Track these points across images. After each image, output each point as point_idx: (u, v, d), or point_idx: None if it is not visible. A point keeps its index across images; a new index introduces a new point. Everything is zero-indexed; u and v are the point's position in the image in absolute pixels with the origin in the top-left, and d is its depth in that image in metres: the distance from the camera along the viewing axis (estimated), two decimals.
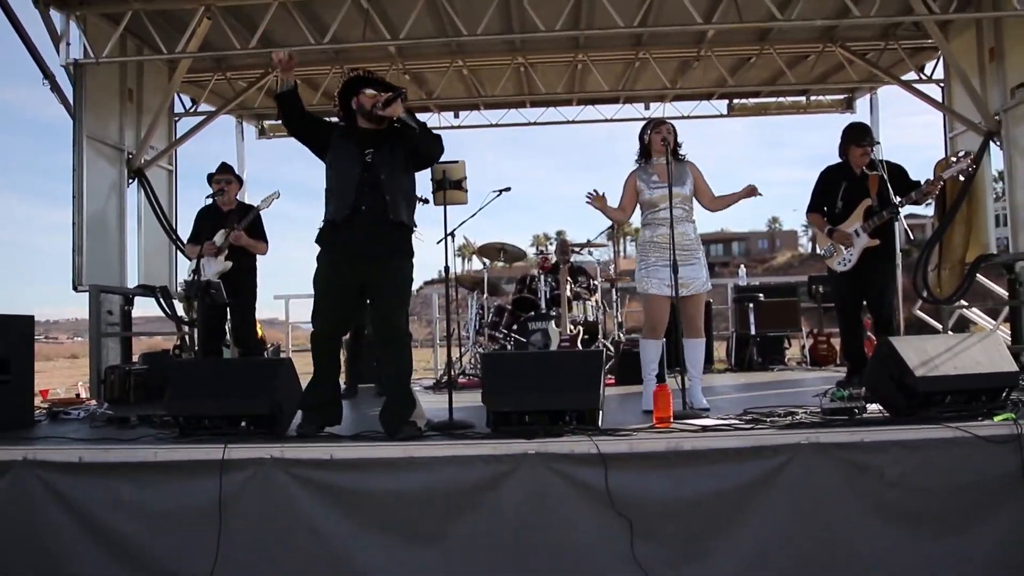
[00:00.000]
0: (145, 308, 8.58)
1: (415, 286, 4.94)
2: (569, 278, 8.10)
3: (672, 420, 4.26)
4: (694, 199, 5.27)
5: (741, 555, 3.77)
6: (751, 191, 5.22)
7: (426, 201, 6.39)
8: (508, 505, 3.83)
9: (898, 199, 5.54)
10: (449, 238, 6.48)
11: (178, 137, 9.79)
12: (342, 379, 7.28)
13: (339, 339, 4.67)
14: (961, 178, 6.37)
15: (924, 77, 9.62)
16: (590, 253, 9.18)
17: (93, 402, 6.45)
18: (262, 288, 7.01)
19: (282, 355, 9.31)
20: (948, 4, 7.28)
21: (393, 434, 4.20)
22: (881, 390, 4.31)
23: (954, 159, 5.92)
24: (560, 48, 9.56)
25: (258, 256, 6.87)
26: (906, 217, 5.81)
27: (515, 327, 7.91)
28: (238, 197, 7.11)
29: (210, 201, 6.82)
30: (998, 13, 7.49)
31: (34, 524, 3.98)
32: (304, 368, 4.71)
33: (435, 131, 4.69)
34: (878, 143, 5.60)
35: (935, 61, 9.44)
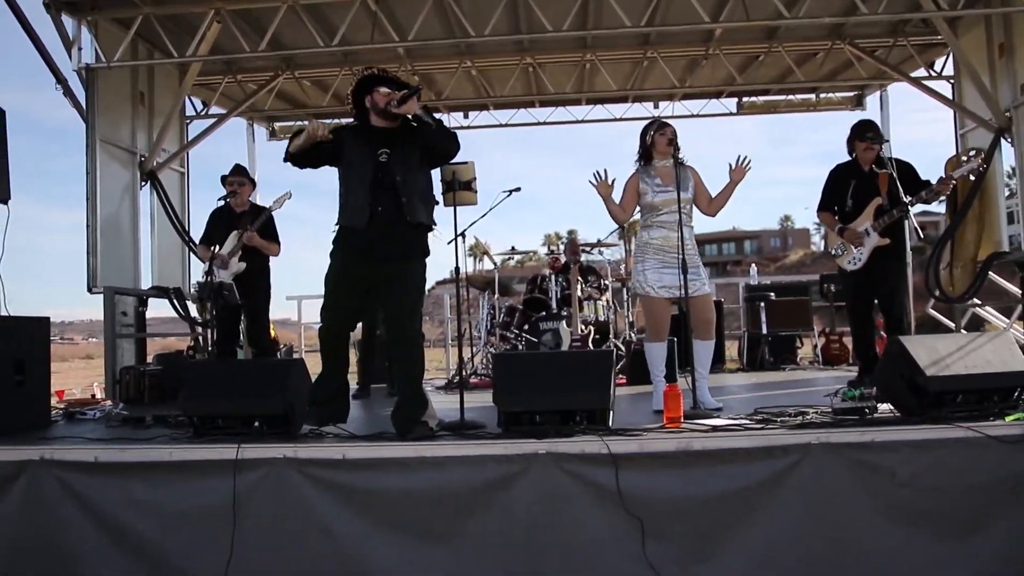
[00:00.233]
0: (159, 309, 8.67)
1: (427, 286, 4.96)
2: (580, 278, 8.12)
3: (683, 420, 4.28)
4: (692, 204, 5.25)
5: (751, 554, 3.77)
6: (740, 170, 5.18)
7: (437, 203, 6.42)
8: (519, 505, 3.85)
9: (908, 198, 5.53)
10: (460, 238, 6.54)
11: (190, 140, 9.86)
12: (354, 380, 7.39)
13: (346, 335, 4.68)
14: (972, 177, 6.35)
15: (934, 74, 9.58)
16: (600, 253, 9.19)
17: (108, 402, 6.51)
18: (275, 289, 7.06)
19: (295, 355, 9.36)
20: (956, 0, 7.26)
21: (405, 434, 4.22)
22: (892, 390, 4.31)
23: (964, 158, 5.91)
24: (568, 48, 9.57)
25: (271, 257, 6.91)
26: (919, 215, 5.79)
27: (526, 327, 7.93)
28: (250, 199, 7.15)
29: (223, 203, 6.87)
30: (1008, 8, 7.46)
31: (51, 522, 4.03)
32: (316, 368, 4.75)
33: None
34: (887, 141, 5.59)
35: (945, 57, 9.41)
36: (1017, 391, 4.24)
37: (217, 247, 6.66)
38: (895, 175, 5.52)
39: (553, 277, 8.19)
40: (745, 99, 11.34)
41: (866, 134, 5.79)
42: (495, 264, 8.72)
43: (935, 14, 7.31)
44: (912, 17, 8.30)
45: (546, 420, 4.15)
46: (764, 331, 9.10)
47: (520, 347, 7.78)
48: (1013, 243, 8.45)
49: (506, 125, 11.65)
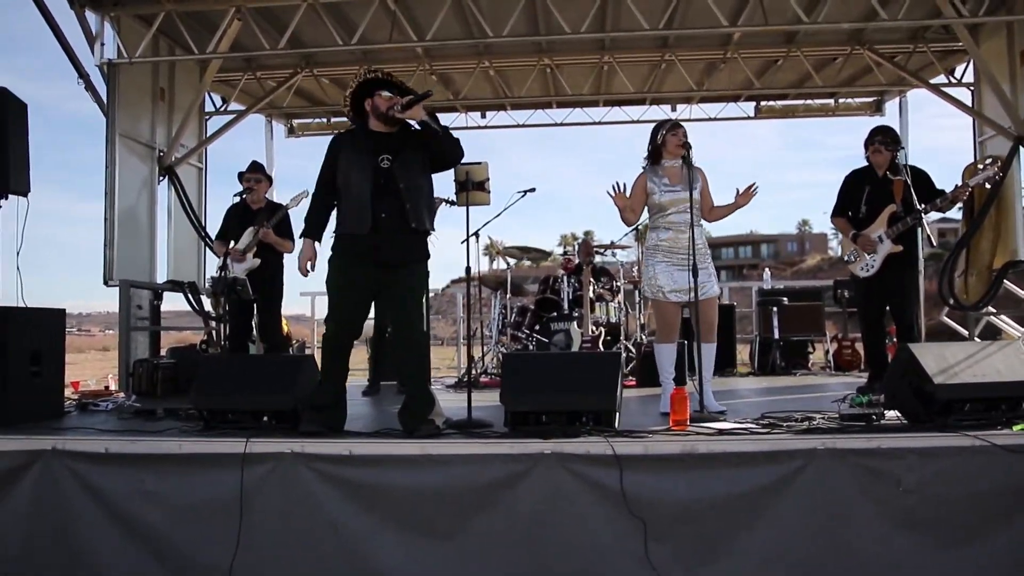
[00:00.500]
0: (174, 302, 8.75)
1: (442, 284, 4.99)
2: (592, 279, 8.13)
3: (688, 423, 4.29)
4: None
5: (755, 558, 3.77)
6: (747, 195, 5.18)
7: (453, 203, 6.47)
8: (524, 504, 3.87)
9: (923, 206, 5.51)
10: (473, 238, 6.57)
11: (208, 135, 9.94)
12: (366, 376, 7.44)
13: (350, 342, 4.59)
14: (987, 185, 6.31)
15: (953, 81, 9.52)
16: (614, 255, 9.20)
17: (121, 394, 6.58)
18: (289, 285, 7.11)
19: (307, 352, 9.43)
20: (978, 7, 7.23)
21: (411, 431, 4.25)
22: (900, 397, 4.30)
23: (980, 166, 5.89)
24: (586, 50, 9.58)
25: (284, 254, 6.97)
26: (936, 220, 5.77)
27: (537, 327, 7.96)
28: (267, 196, 7.21)
29: (239, 199, 6.93)
30: None
31: (61, 511, 4.09)
32: None
33: (458, 132, 4.66)
34: (902, 148, 5.57)
35: (965, 64, 9.35)
36: None
37: (232, 243, 6.72)
38: (909, 182, 5.50)
39: (566, 278, 8.21)
40: (763, 103, 11.31)
41: (875, 138, 5.78)
42: (507, 263, 8.74)
43: (956, 21, 7.27)
44: (932, 24, 8.24)
45: (552, 420, 4.17)
46: (776, 335, 9.07)
47: (531, 347, 7.80)
48: None
49: (523, 125, 11.67)
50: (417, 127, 4.46)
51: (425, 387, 4.52)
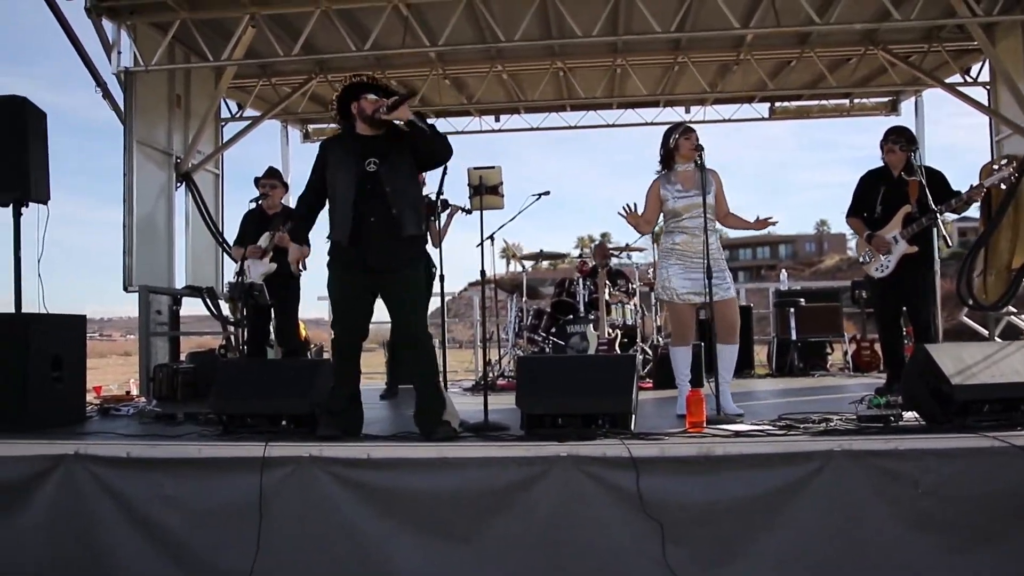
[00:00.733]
0: (193, 307, 8.82)
1: (459, 287, 5.00)
2: (608, 282, 8.14)
3: (705, 425, 4.29)
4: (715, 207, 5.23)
5: (772, 560, 3.77)
6: (761, 225, 5.18)
7: (468, 211, 6.50)
8: (540, 507, 3.88)
9: (939, 207, 5.49)
10: (488, 242, 6.59)
11: (224, 141, 10.03)
12: (384, 380, 7.47)
13: (358, 344, 4.60)
14: (1003, 186, 6.27)
15: (969, 80, 9.46)
16: (629, 257, 9.19)
17: (142, 399, 6.65)
18: (306, 290, 7.15)
19: (324, 355, 9.47)
20: (992, 6, 7.19)
21: (428, 435, 4.27)
22: (917, 398, 4.28)
23: (996, 166, 5.86)
24: (599, 53, 9.59)
25: None
26: (956, 220, 5.75)
27: (554, 330, 7.97)
28: (283, 201, 7.26)
29: (255, 204, 6.98)
30: None
31: (84, 515, 4.14)
32: None
33: (471, 135, 4.67)
34: (917, 148, 5.55)
35: (981, 63, 9.28)
36: None
37: (248, 247, 6.77)
38: (924, 182, 5.48)
39: (581, 281, 8.22)
40: (777, 104, 11.28)
41: (889, 138, 5.76)
42: (523, 267, 8.76)
43: (970, 20, 7.23)
44: (947, 23, 8.20)
45: (568, 423, 4.19)
46: (794, 337, 9.04)
47: (547, 350, 7.82)
48: None
49: (537, 129, 11.68)
50: (405, 128, 4.39)
51: (435, 388, 4.50)
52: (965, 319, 8.98)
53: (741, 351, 8.12)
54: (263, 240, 6.79)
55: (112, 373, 14.04)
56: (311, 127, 11.89)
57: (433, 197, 6.51)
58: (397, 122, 4.39)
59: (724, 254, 5.35)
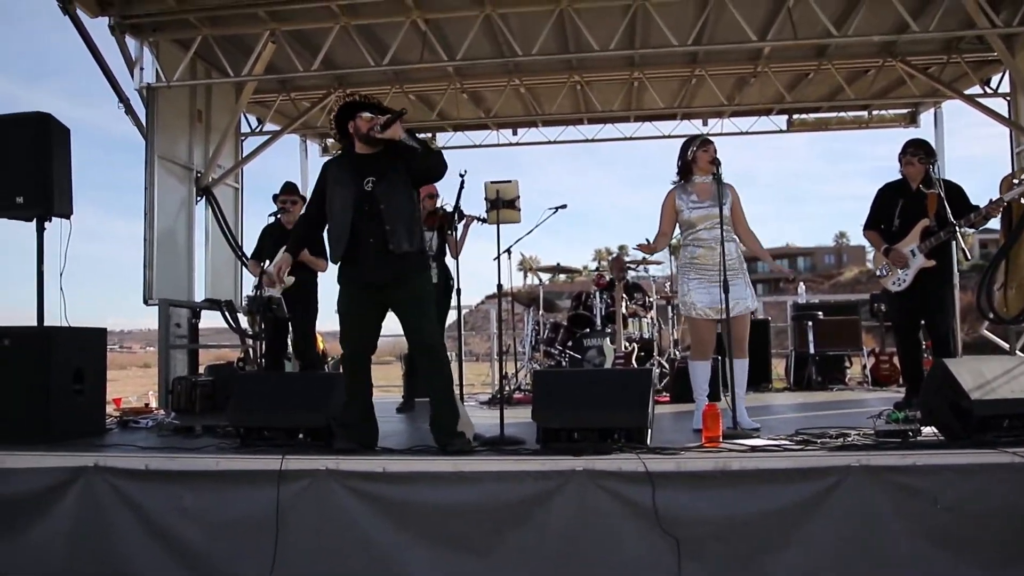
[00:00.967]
0: (212, 319, 8.89)
1: (476, 300, 5.02)
2: (625, 295, 8.12)
3: (721, 440, 4.27)
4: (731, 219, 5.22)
5: None
6: (778, 270, 5.17)
7: (484, 220, 6.52)
8: (556, 521, 3.87)
9: (957, 221, 5.45)
10: (505, 255, 6.61)
11: (244, 156, 10.12)
12: (400, 393, 7.48)
13: (367, 359, 4.63)
14: (1023, 200, 6.22)
15: (989, 91, 9.41)
16: (646, 270, 9.19)
17: (161, 411, 6.70)
18: (324, 303, 7.19)
19: (342, 369, 9.50)
20: (1012, 16, 7.14)
21: (444, 445, 4.29)
22: (936, 413, 4.24)
23: (1016, 180, 5.81)
24: (616, 66, 9.62)
25: (319, 273, 7.05)
26: (978, 232, 5.70)
27: (570, 343, 7.96)
28: (301, 215, 7.30)
29: (274, 219, 7.04)
30: None
31: (103, 526, 4.18)
32: None
33: (489, 149, 4.70)
34: (935, 161, 5.52)
35: (1001, 74, 9.23)
36: None
37: (267, 263, 6.82)
38: (943, 195, 5.45)
39: (598, 294, 8.22)
40: (795, 116, 11.25)
41: (908, 150, 5.74)
42: (540, 280, 8.78)
43: (989, 31, 7.21)
44: (966, 34, 8.17)
45: (584, 437, 4.19)
46: (812, 350, 8.98)
47: (564, 363, 7.81)
48: None
49: (555, 142, 11.70)
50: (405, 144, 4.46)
51: (448, 397, 4.51)
52: (986, 332, 8.90)
53: (759, 364, 8.15)
54: (279, 258, 6.82)
55: (132, 385, 14.16)
56: (330, 141, 11.96)
57: (449, 209, 6.57)
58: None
59: (745, 265, 5.33)
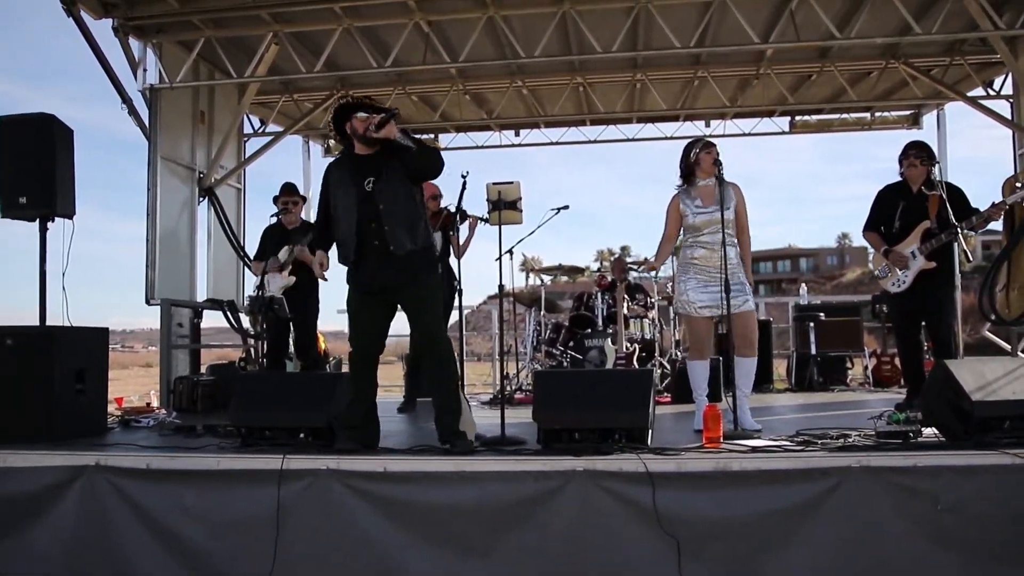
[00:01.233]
0: (214, 319, 8.91)
1: (478, 301, 5.02)
2: (626, 296, 8.12)
3: (722, 440, 4.27)
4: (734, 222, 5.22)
5: None
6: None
7: (487, 220, 6.53)
8: (557, 521, 3.87)
9: (959, 223, 5.45)
10: (508, 256, 6.61)
11: (247, 156, 10.14)
12: (402, 393, 7.50)
13: (374, 359, 4.65)
14: None
15: (992, 93, 9.41)
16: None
17: (163, 411, 6.72)
18: (328, 301, 7.21)
19: (343, 368, 9.52)
20: (1015, 18, 7.14)
21: (447, 441, 4.31)
22: (937, 414, 4.24)
23: (1018, 184, 5.82)
24: (618, 68, 9.62)
25: None
26: (981, 233, 5.69)
27: (572, 344, 7.97)
28: (302, 214, 7.33)
29: (275, 220, 7.06)
30: None
31: (104, 525, 4.19)
32: None
33: (492, 150, 4.71)
34: (937, 162, 5.52)
35: (1004, 76, 9.22)
36: None
37: (268, 263, 6.84)
38: (945, 196, 5.45)
39: (599, 294, 8.23)
40: (798, 118, 11.26)
41: (909, 152, 5.74)
42: (542, 281, 8.79)
43: (992, 33, 7.20)
44: (968, 36, 8.16)
45: (585, 437, 4.19)
46: (813, 351, 8.97)
47: (565, 364, 7.82)
48: None
49: (557, 143, 11.72)
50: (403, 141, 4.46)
51: (453, 394, 4.52)
52: (988, 334, 8.90)
53: (761, 365, 8.12)
54: (282, 254, 6.85)
55: (133, 384, 14.16)
56: (332, 142, 11.98)
57: (452, 209, 6.58)
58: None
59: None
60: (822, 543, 3.74)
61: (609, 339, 7.76)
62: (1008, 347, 8.55)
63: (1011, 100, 9.10)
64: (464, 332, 7.25)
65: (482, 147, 11.66)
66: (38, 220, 5.41)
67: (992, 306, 7.71)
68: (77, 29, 7.38)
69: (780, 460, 3.93)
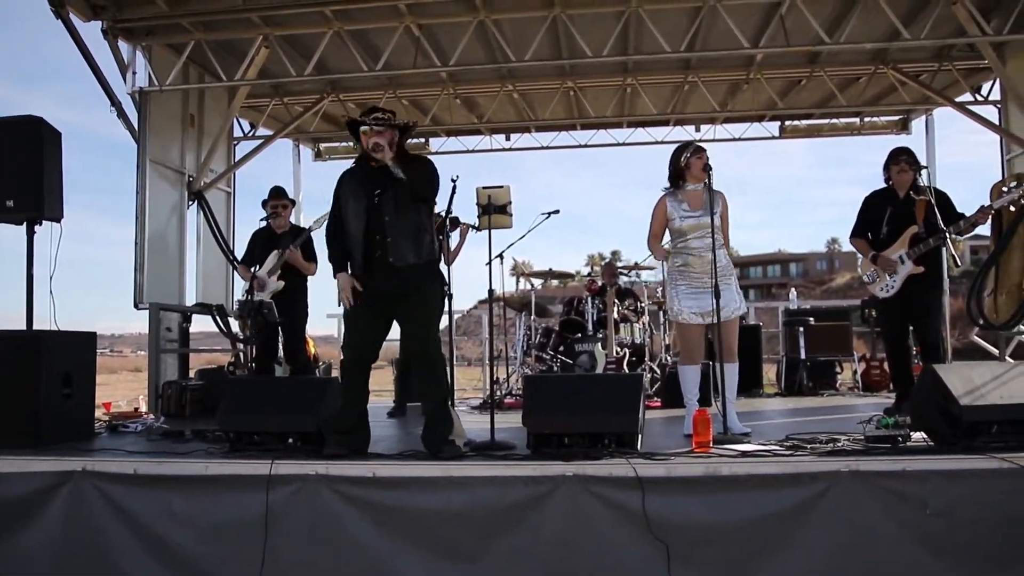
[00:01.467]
0: (203, 323, 8.88)
1: (468, 305, 5.00)
2: (616, 300, 8.14)
3: (712, 445, 4.27)
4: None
5: None
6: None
7: (476, 228, 6.53)
8: (546, 526, 3.86)
9: (946, 227, 5.47)
10: (498, 260, 6.61)
11: (237, 160, 10.12)
12: (392, 398, 7.48)
13: (367, 366, 4.63)
14: (1012, 208, 6.25)
15: (980, 98, 9.47)
16: (638, 275, 9.21)
17: (151, 416, 6.68)
18: (318, 306, 7.18)
19: (334, 373, 9.50)
20: (1003, 25, 7.19)
21: (435, 453, 4.28)
22: (926, 419, 4.25)
23: (1005, 188, 5.84)
24: (609, 72, 9.65)
25: (308, 276, 7.05)
26: (969, 239, 5.71)
27: (562, 348, 7.96)
28: (291, 218, 7.30)
29: (264, 224, 7.04)
30: None
31: (91, 531, 4.16)
32: None
33: (482, 154, 4.70)
34: (925, 167, 5.54)
35: (991, 81, 9.28)
36: None
37: (257, 267, 6.82)
38: (933, 201, 5.47)
39: (590, 299, 8.23)
40: (788, 123, 11.31)
41: (899, 157, 5.76)
42: (532, 285, 8.79)
43: (980, 39, 7.25)
44: (957, 42, 8.22)
45: (575, 442, 4.18)
46: (803, 356, 8.99)
47: (555, 368, 7.81)
48: None
49: (547, 147, 11.75)
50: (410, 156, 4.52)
51: (443, 408, 4.51)
52: (976, 338, 8.93)
53: (751, 370, 8.16)
54: (272, 258, 6.83)
55: (122, 389, 14.09)
56: (323, 146, 12.00)
57: (442, 215, 6.57)
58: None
59: (736, 272, 5.33)
60: (812, 548, 3.74)
61: (599, 344, 7.76)
62: (996, 352, 8.59)
63: (999, 105, 9.18)
64: (454, 337, 7.24)
65: (473, 151, 11.67)
66: (25, 223, 5.36)
67: (980, 311, 7.74)
68: (66, 31, 7.34)
69: (770, 465, 3.92)
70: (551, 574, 3.84)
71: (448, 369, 4.81)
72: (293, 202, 7.59)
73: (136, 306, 7.91)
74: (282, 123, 10.29)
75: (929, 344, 5.72)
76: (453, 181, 6.03)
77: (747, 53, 8.36)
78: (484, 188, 5.43)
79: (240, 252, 8.02)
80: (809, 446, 4.26)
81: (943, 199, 5.71)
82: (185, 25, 7.80)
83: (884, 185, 5.93)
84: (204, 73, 8.77)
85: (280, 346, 7.21)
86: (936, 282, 5.75)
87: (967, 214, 5.61)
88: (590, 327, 8.07)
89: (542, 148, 11.72)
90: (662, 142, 11.40)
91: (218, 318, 8.53)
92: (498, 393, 7.61)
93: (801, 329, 9.06)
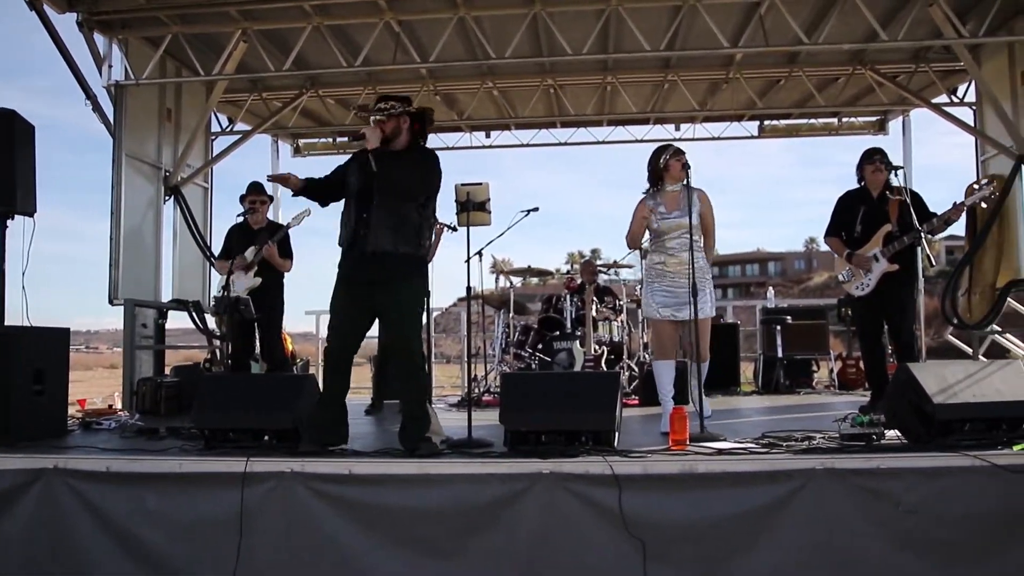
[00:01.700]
0: (180, 319, 8.80)
1: (447, 303, 4.99)
2: (595, 298, 8.15)
3: (688, 443, 4.29)
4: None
5: None
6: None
7: (455, 228, 6.53)
8: (523, 524, 3.87)
9: (922, 226, 5.52)
10: (477, 258, 6.60)
11: (214, 155, 10.03)
12: (369, 395, 7.45)
13: (349, 357, 4.61)
14: (984, 205, 6.33)
15: (956, 100, 9.55)
16: (617, 274, 9.23)
17: (125, 413, 6.61)
18: (296, 303, 7.14)
19: (311, 370, 9.45)
20: (979, 27, 7.25)
21: (411, 451, 4.26)
22: (900, 416, 4.29)
23: (976, 186, 5.91)
24: (589, 70, 9.65)
25: (284, 273, 7.01)
26: (945, 237, 5.78)
27: (540, 346, 7.96)
28: (268, 214, 7.25)
29: (241, 219, 6.98)
30: None
31: (63, 529, 4.11)
32: None
33: (462, 151, 4.72)
34: (901, 167, 5.58)
35: (967, 83, 9.37)
36: None
37: (235, 259, 6.76)
38: (908, 200, 5.51)
39: (568, 297, 8.23)
40: (767, 122, 11.37)
41: (874, 157, 5.81)
42: (511, 283, 8.78)
43: (956, 41, 7.31)
44: (933, 44, 8.29)
45: (552, 440, 4.18)
46: (780, 354, 9.03)
47: (534, 366, 7.81)
48: None
49: (527, 145, 11.70)
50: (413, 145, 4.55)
51: (421, 405, 4.49)
52: (951, 338, 9.02)
53: (728, 368, 8.21)
54: (248, 253, 6.78)
55: (97, 386, 13.96)
56: (302, 142, 11.92)
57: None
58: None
59: (713, 271, 5.37)
60: (787, 545, 3.77)
61: (577, 342, 7.77)
62: (969, 351, 8.68)
63: (974, 107, 9.26)
64: (433, 334, 7.23)
65: (452, 148, 11.63)
66: None
67: (955, 310, 7.84)
68: (40, 22, 7.24)
69: (745, 462, 3.95)
70: (528, 571, 3.85)
71: (426, 366, 4.80)
72: (271, 198, 7.53)
73: (111, 302, 7.81)
74: (260, 118, 10.21)
75: (903, 343, 5.77)
76: None
77: (726, 53, 8.40)
78: (463, 185, 5.43)
79: (217, 248, 7.97)
80: (785, 444, 4.29)
81: (916, 199, 5.75)
82: (162, 18, 7.73)
83: (857, 185, 5.97)
84: (181, 67, 8.68)
85: (257, 343, 7.16)
86: (911, 280, 5.80)
87: (939, 213, 5.66)
88: (569, 325, 8.07)
89: (522, 145, 11.69)
90: (642, 140, 11.43)
91: (194, 314, 8.46)
92: (476, 391, 7.60)
93: (778, 328, 9.11)
